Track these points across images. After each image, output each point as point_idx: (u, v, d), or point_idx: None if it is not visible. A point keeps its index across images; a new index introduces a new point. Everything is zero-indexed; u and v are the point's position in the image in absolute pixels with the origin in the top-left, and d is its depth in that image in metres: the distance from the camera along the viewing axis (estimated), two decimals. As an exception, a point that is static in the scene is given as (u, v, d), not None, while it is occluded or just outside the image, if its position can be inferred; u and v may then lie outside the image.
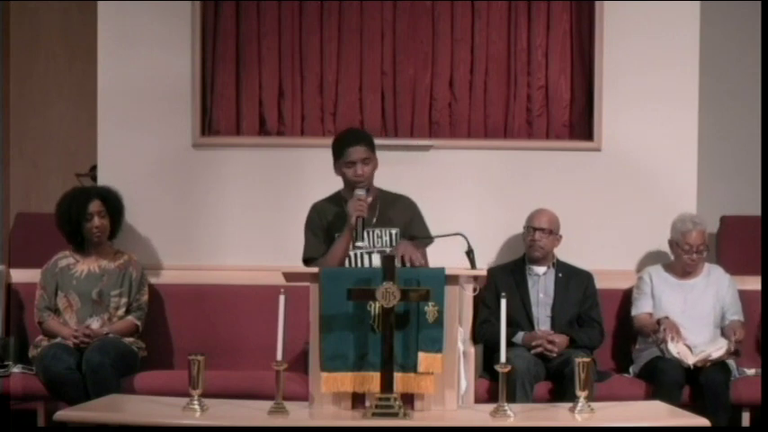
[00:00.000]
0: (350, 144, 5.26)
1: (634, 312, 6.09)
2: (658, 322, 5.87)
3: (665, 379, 5.64)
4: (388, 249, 5.24)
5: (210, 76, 6.43)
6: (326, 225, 5.32)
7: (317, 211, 5.38)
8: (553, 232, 6.04)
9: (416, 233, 5.31)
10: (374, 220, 5.31)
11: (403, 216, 5.36)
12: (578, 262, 6.12)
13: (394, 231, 5.32)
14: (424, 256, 5.28)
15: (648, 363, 5.84)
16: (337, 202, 5.34)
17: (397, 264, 4.86)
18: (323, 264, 5.16)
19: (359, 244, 5.12)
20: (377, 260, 5.24)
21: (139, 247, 6.29)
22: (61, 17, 8.31)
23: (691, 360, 5.70)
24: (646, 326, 5.98)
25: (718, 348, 5.78)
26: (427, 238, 5.36)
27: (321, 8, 6.43)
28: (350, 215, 5.13)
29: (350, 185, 5.26)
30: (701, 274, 6.10)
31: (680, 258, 6.05)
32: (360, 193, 5.17)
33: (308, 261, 5.32)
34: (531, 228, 6.04)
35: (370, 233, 5.29)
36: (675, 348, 5.73)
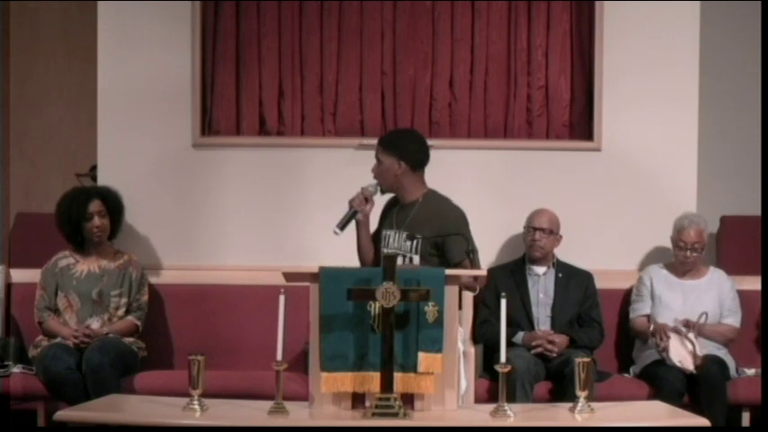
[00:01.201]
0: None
1: (631, 315, 6.10)
2: (652, 333, 5.87)
3: (666, 387, 5.62)
4: (408, 255, 5.25)
5: (210, 76, 6.43)
6: (381, 219, 5.42)
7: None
8: (553, 232, 6.04)
9: (449, 247, 5.26)
10: (407, 221, 5.32)
11: (435, 225, 5.30)
12: (578, 262, 6.12)
13: (419, 237, 5.30)
14: (466, 266, 5.23)
15: (649, 366, 5.84)
16: (393, 199, 5.46)
17: None
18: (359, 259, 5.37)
19: (335, 230, 5.20)
20: (400, 263, 5.22)
21: (139, 247, 6.29)
22: (61, 17, 8.31)
23: (692, 366, 5.69)
24: (642, 331, 5.98)
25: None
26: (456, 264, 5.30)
27: (321, 8, 6.43)
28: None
29: None
30: (703, 277, 6.10)
31: (677, 256, 6.05)
32: (369, 189, 5.29)
33: None
34: (531, 228, 6.04)
35: (398, 235, 5.30)
36: (677, 357, 5.72)
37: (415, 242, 5.28)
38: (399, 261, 5.17)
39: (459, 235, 5.27)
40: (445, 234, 5.28)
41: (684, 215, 6.07)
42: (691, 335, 5.75)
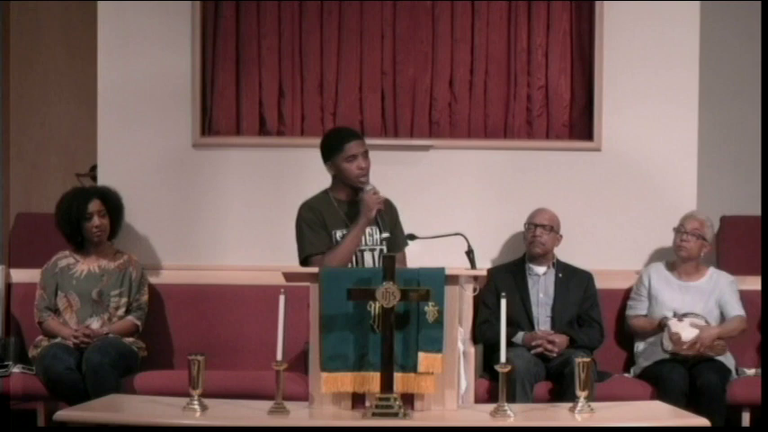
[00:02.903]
0: (349, 139, 5.23)
1: (628, 312, 6.12)
2: (659, 325, 5.89)
3: (669, 387, 5.62)
4: (378, 247, 5.23)
5: (210, 76, 6.43)
6: (324, 222, 5.28)
7: (311, 209, 5.31)
8: (554, 229, 6.05)
9: (399, 234, 5.33)
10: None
11: (389, 217, 5.31)
12: (578, 262, 6.12)
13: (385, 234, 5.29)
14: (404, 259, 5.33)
15: (650, 367, 5.84)
16: (327, 200, 5.30)
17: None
18: (332, 259, 5.10)
19: (385, 235, 5.12)
20: (368, 257, 5.22)
21: (139, 247, 6.29)
22: (61, 17, 8.31)
23: (685, 339, 5.73)
24: (641, 328, 5.99)
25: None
26: (404, 242, 5.38)
27: (321, 8, 6.43)
28: (368, 209, 5.10)
29: (342, 182, 5.22)
30: (702, 278, 6.09)
31: (674, 242, 6.05)
32: (369, 187, 5.16)
33: (309, 258, 5.22)
34: (531, 224, 6.05)
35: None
36: (670, 344, 5.75)
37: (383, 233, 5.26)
38: (368, 255, 5.21)
39: (401, 226, 5.37)
40: (396, 217, 5.37)
41: (696, 211, 6.12)
42: (686, 320, 5.80)
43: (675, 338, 5.78)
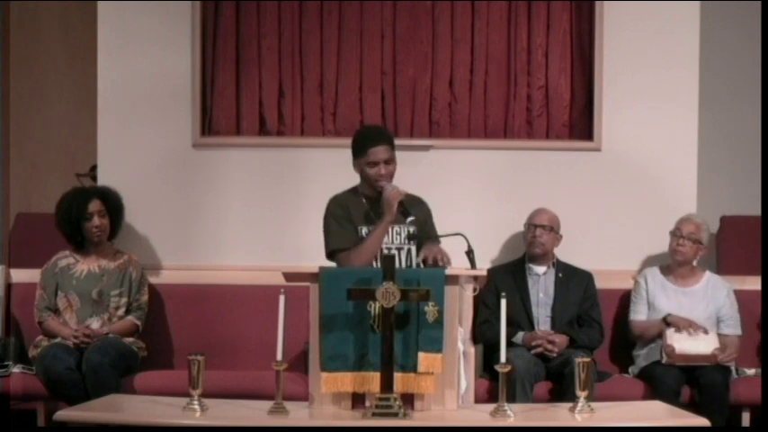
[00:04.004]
0: (374, 144, 5.25)
1: (632, 317, 6.09)
2: (666, 322, 5.88)
3: (663, 387, 5.62)
4: (405, 246, 5.24)
5: (210, 76, 6.44)
6: (350, 217, 5.29)
7: (339, 204, 5.32)
8: (554, 230, 6.05)
9: (429, 230, 5.35)
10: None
11: (419, 216, 5.33)
12: (578, 262, 6.12)
13: (411, 229, 5.30)
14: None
15: (646, 367, 5.84)
16: (355, 196, 5.33)
17: (423, 261, 5.08)
18: (358, 256, 5.13)
19: (410, 218, 5.13)
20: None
21: (139, 247, 6.29)
22: (61, 17, 8.31)
23: (680, 352, 5.72)
24: (647, 329, 5.97)
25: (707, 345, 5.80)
26: (436, 238, 5.38)
27: (321, 8, 6.43)
28: (390, 204, 5.11)
29: (368, 183, 5.26)
30: (698, 283, 6.08)
31: (670, 246, 6.04)
32: (389, 186, 5.17)
33: (335, 252, 5.24)
34: (531, 225, 6.05)
35: (390, 230, 5.27)
36: (664, 355, 5.76)
37: (410, 232, 5.25)
38: (396, 255, 5.20)
39: (434, 227, 5.39)
40: (428, 214, 5.41)
41: (693, 214, 6.09)
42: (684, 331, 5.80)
43: (669, 350, 5.77)
